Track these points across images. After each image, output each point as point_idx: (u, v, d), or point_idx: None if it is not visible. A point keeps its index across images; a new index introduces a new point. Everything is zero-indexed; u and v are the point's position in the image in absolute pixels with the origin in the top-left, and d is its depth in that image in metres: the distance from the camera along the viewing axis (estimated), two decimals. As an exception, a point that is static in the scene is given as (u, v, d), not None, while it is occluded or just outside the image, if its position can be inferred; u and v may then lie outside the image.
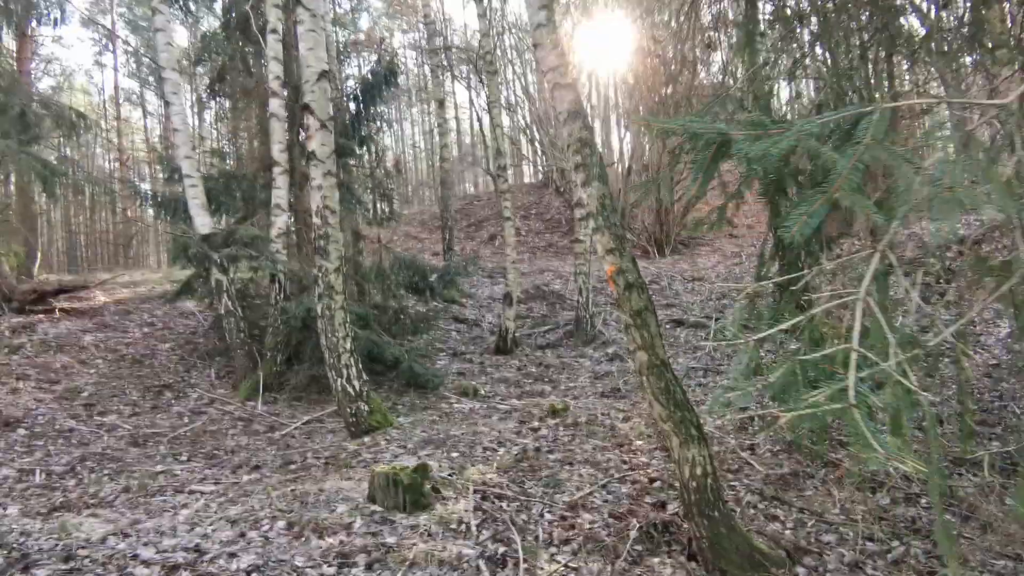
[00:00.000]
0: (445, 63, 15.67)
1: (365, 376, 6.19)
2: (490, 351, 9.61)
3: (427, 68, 23.01)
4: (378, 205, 8.77)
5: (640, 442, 5.10)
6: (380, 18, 28.38)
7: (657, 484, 4.17)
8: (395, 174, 8.69)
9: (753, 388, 2.68)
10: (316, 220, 6.13)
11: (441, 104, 14.81)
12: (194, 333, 9.45)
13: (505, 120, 21.61)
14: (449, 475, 4.31)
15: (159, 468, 5.44)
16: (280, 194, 8.32)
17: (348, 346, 6.03)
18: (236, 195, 8.59)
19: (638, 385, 3.41)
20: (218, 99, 11.00)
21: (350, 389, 5.97)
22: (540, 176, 20.98)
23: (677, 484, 4.09)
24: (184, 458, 5.90)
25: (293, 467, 5.36)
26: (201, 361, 8.52)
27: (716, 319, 9.97)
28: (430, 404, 7.57)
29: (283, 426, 6.79)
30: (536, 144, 18.99)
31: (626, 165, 17.30)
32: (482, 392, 7.94)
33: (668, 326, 10.29)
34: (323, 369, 7.53)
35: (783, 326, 2.72)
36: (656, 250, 15.61)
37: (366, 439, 5.81)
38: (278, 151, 8.37)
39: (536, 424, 5.85)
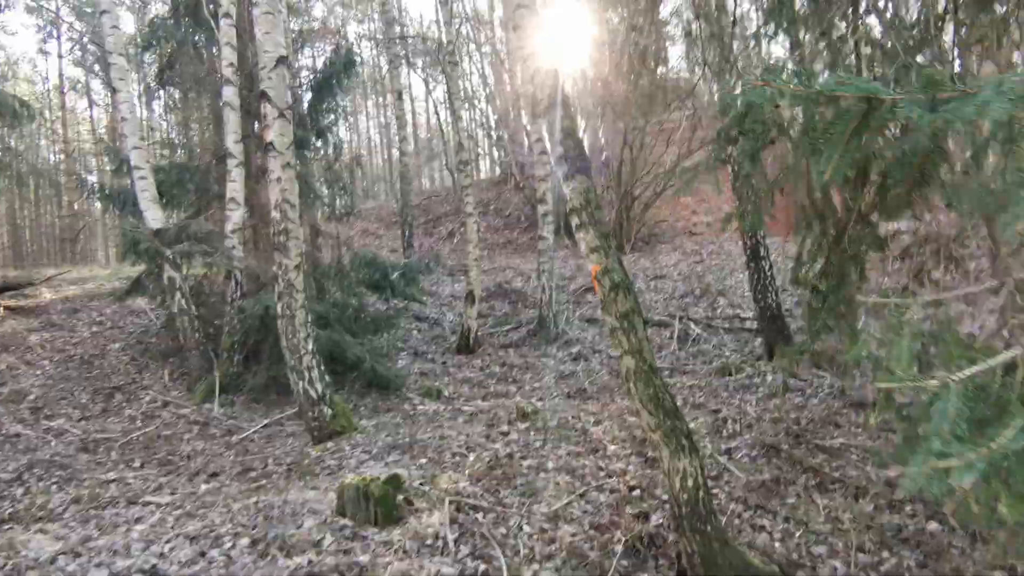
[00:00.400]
0: (403, 54, 15.36)
1: (328, 378, 5.96)
2: (452, 351, 9.43)
3: (383, 59, 22.59)
4: (337, 199, 8.50)
5: (614, 447, 4.99)
6: (334, 8, 27.80)
7: (637, 493, 4.06)
8: (354, 167, 8.42)
9: (976, 454, 1.66)
10: (275, 214, 5.87)
11: (399, 96, 14.51)
12: (145, 332, 9.03)
13: (464, 114, 21.41)
14: (421, 484, 4.14)
15: (111, 476, 5.13)
16: (235, 187, 7.98)
17: (310, 347, 5.79)
18: (189, 188, 8.23)
19: (624, 390, 3.27)
20: (167, 88, 10.54)
21: (312, 392, 5.74)
22: (498, 172, 20.79)
23: (666, 496, 4.00)
24: (137, 465, 5.60)
25: (253, 474, 5.12)
26: (153, 362, 8.14)
27: (680, 318, 9.96)
28: (393, 406, 7.37)
29: (241, 430, 6.51)
30: (495, 138, 18.78)
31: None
32: (446, 393, 7.77)
33: (631, 325, 10.26)
34: (282, 370, 7.26)
35: (996, 360, 1.91)
36: (617, 247, 15.59)
37: (329, 444, 5.59)
38: (232, 142, 8.04)
39: (505, 428, 5.71)
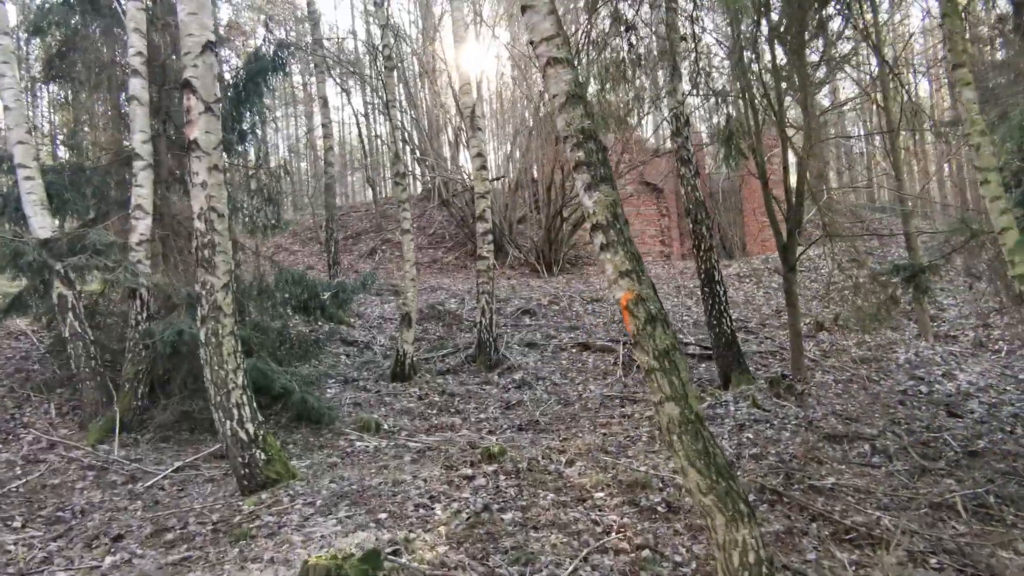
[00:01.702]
0: (327, 59, 14.45)
1: (260, 416, 5.11)
2: (386, 378, 8.64)
3: (296, 66, 21.46)
4: (260, 211, 7.60)
5: (601, 494, 4.42)
6: (241, 11, 26.27)
7: (647, 554, 3.50)
8: (281, 175, 7.54)
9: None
10: (199, 225, 5.01)
11: (325, 103, 13.57)
12: (27, 359, 7.77)
13: (383, 127, 20.57)
14: (394, 553, 3.42)
15: (-18, 544, 4.12)
16: (142, 193, 6.96)
17: (240, 380, 4.94)
18: (86, 192, 7.13)
19: (666, 441, 2.70)
20: (58, 80, 9.31)
21: (243, 433, 4.88)
22: (420, 188, 20.03)
23: (680, 557, 3.45)
24: (17, 524, 4.59)
25: (170, 536, 4.23)
26: (37, 394, 6.95)
27: (623, 343, 9.56)
28: (327, 442, 6.55)
29: (148, 475, 5.54)
30: (419, 154, 18.05)
31: (512, 179, 16.81)
32: (385, 427, 7.00)
33: (574, 350, 9.78)
34: (197, 403, 6.34)
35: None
36: (544, 268, 15.19)
37: (264, 495, 4.75)
38: (140, 142, 7.03)
39: (469, 471, 5.03)
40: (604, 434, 6.29)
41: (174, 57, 7.38)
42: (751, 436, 5.87)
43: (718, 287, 7.74)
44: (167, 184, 7.34)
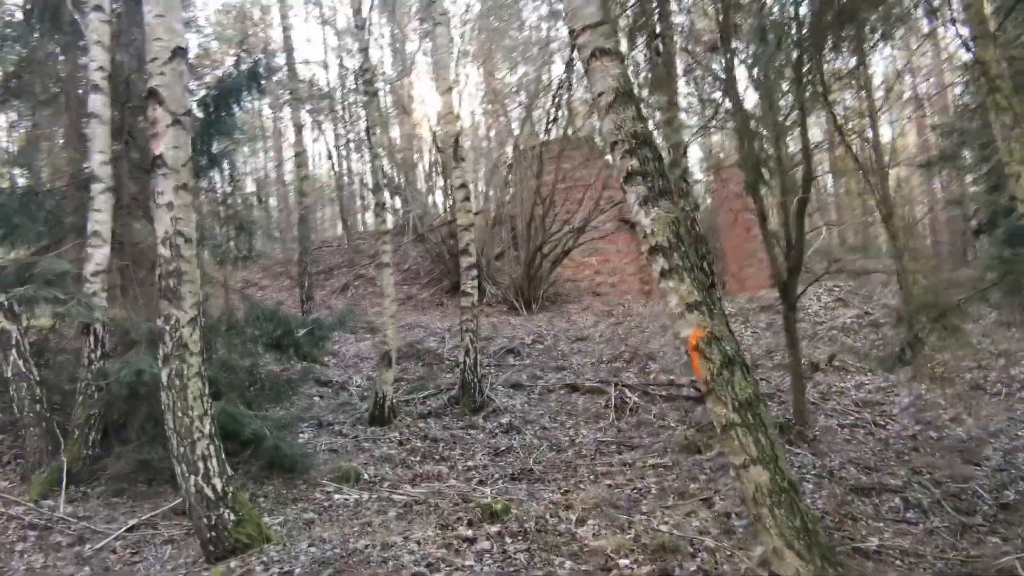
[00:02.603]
0: (300, 87, 14.00)
1: (229, 470, 4.48)
2: (364, 421, 8.00)
3: (266, 100, 20.96)
4: (233, 241, 7.01)
5: (625, 560, 3.88)
6: (211, 43, 25.79)
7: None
8: (255, 203, 6.94)
9: None
10: (163, 251, 4.44)
11: (300, 130, 13.04)
12: (-40, 401, 6.99)
13: (356, 163, 20.12)
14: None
15: None
16: (100, 219, 6.33)
17: (207, 429, 4.32)
18: (38, 217, 6.48)
19: (752, 515, 2.17)
20: (15, 100, 8.68)
21: (209, 490, 4.25)
22: (393, 223, 19.47)
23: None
24: (-62, 599, 3.88)
25: (122, 617, 3.57)
26: (-30, 443, 6.20)
27: (615, 384, 9.07)
28: (301, 494, 5.89)
29: (98, 536, 4.85)
30: (393, 186, 17.57)
31: (491, 215, 16.40)
32: (366, 476, 6.37)
33: (562, 391, 9.26)
34: (156, 451, 5.65)
35: None
36: (524, 306, 14.70)
37: (232, 562, 4.10)
38: (99, 163, 6.42)
39: (468, 531, 4.45)
40: (609, 485, 5.76)
41: (139, 72, 6.83)
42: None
43: (721, 326, 7.33)
44: (128, 209, 6.72)
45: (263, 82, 7.13)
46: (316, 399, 8.70)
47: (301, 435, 7.52)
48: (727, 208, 18.47)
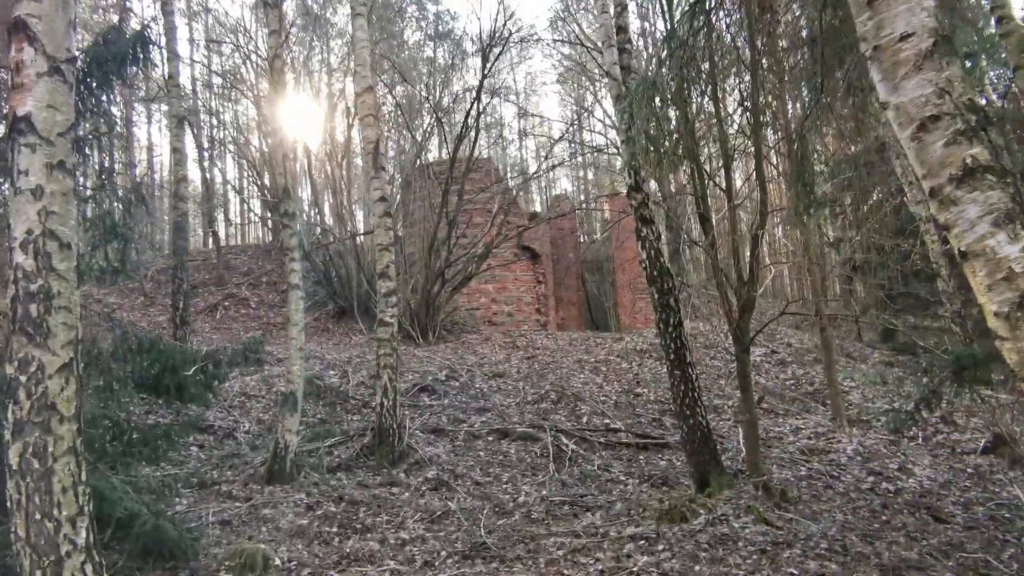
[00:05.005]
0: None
1: (113, 592, 3.02)
2: (259, 479, 6.47)
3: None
4: (101, 248, 5.36)
5: None
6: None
7: None
8: (136, 202, 5.32)
9: None
10: (23, 260, 2.97)
11: (180, 123, 11.06)
12: None
13: (231, 169, 18.00)
14: None
15: None
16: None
17: (83, 537, 2.86)
18: None
19: None
20: None
21: (84, 633, 2.78)
22: (269, 238, 17.54)
23: None
24: None
25: None
26: None
27: (548, 429, 8.08)
28: (191, 596, 4.40)
29: None
30: (264, 197, 15.77)
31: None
32: (277, 562, 4.94)
33: (490, 437, 8.13)
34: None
35: None
36: (419, 335, 13.44)
37: None
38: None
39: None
40: (590, 570, 4.72)
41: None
42: (795, 573, 4.56)
43: (690, 370, 6.56)
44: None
45: (151, 53, 5.57)
46: (194, 450, 7.03)
47: (179, 501, 5.91)
48: (622, 241, 18.14)
